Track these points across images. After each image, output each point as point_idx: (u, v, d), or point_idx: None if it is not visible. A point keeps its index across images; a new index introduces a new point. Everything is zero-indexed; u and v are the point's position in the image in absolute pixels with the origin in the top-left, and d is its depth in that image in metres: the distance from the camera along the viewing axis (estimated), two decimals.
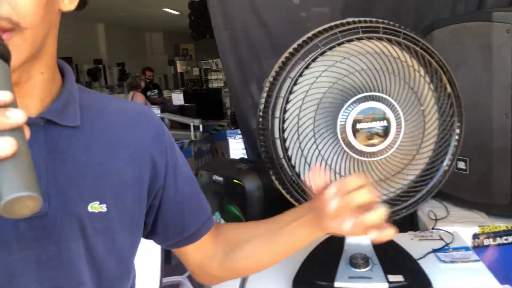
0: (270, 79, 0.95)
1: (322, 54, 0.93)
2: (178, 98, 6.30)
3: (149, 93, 7.57)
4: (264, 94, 0.96)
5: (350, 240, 1.07)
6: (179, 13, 10.28)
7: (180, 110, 5.94)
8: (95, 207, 0.66)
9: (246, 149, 2.02)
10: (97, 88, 10.18)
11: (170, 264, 1.13)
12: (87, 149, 0.67)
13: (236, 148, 2.04)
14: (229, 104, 6.62)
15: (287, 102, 0.96)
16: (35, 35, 0.57)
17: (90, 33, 11.17)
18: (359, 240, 1.06)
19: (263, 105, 0.97)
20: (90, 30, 11.09)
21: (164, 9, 10.33)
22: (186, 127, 4.36)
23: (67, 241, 0.63)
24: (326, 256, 1.10)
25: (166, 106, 6.35)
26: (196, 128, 3.42)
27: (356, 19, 0.93)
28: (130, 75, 8.83)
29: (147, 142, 0.73)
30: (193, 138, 3.46)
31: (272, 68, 0.97)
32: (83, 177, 0.66)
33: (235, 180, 1.34)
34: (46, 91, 0.66)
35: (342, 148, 0.94)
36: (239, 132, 2.04)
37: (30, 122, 0.58)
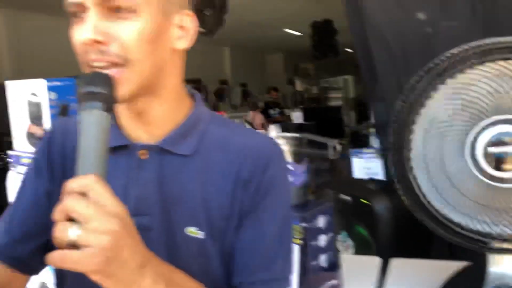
0: (400, 101, 0.98)
1: (452, 76, 0.93)
2: (298, 117, 6.41)
3: (271, 111, 7.86)
4: (394, 115, 0.99)
5: (494, 270, 1.01)
6: (299, 33, 10.52)
7: (299, 128, 6.02)
8: (193, 231, 0.70)
9: (382, 168, 1.99)
10: (221, 107, 10.82)
11: (306, 277, 1.18)
12: (194, 178, 0.71)
13: (360, 167, 2.04)
14: (348, 123, 6.55)
15: (415, 123, 0.98)
16: (142, 68, 0.65)
17: (217, 56, 11.99)
18: (505, 270, 1.00)
19: (392, 126, 1.00)
20: (217, 53, 11.91)
21: (284, 30, 10.66)
22: (312, 145, 4.41)
23: (163, 257, 0.65)
24: (466, 284, 1.06)
25: (286, 124, 6.51)
26: (333, 147, 3.50)
27: (496, 40, 0.90)
28: (251, 96, 9.28)
29: (247, 181, 0.72)
30: (332, 157, 3.57)
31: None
32: (186, 202, 0.70)
33: (362, 200, 1.32)
34: (168, 119, 0.73)
35: (471, 170, 0.92)
36: (363, 151, 2.04)
37: (148, 148, 0.72)
